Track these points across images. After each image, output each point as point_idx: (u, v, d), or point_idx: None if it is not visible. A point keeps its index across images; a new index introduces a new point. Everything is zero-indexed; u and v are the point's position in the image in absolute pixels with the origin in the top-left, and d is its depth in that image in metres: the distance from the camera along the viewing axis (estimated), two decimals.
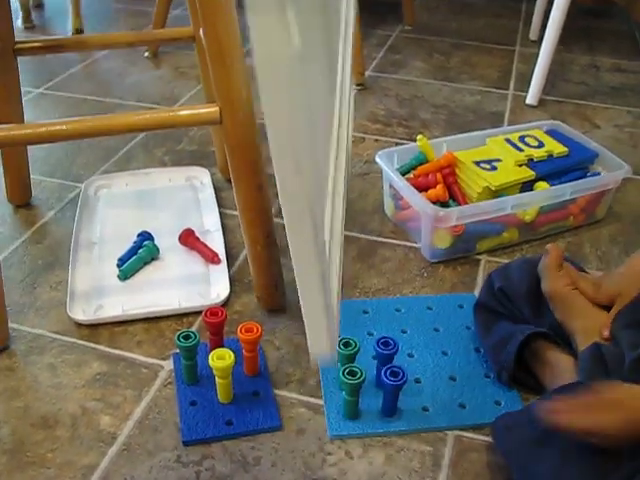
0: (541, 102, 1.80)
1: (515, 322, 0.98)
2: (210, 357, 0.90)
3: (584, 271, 0.99)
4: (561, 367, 0.92)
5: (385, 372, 0.90)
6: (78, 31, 2.18)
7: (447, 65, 2.06)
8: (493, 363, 0.98)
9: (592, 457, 0.74)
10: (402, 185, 1.22)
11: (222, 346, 0.99)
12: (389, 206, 1.33)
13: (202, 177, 1.42)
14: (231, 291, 1.12)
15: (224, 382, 0.92)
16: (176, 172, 1.43)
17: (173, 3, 2.01)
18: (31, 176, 1.35)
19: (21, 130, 0.94)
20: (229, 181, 1.38)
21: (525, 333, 0.93)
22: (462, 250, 1.23)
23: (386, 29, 2.32)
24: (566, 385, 0.85)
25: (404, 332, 1.07)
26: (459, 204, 1.26)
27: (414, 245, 1.26)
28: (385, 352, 0.94)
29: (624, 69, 2.07)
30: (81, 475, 0.86)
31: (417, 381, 0.99)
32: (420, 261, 1.23)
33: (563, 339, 0.92)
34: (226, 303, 1.11)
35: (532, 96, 1.79)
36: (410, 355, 1.03)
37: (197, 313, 1.09)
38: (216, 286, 1.14)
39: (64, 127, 0.92)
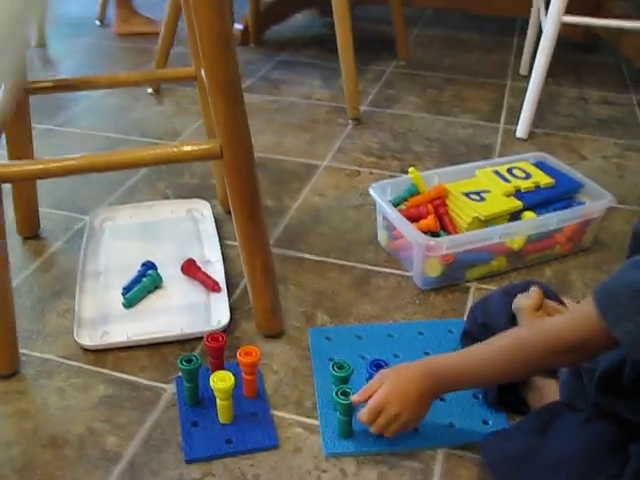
0: (530, 135, 1.86)
1: None
2: (211, 379, 0.95)
3: (562, 303, 1.04)
4: (548, 391, 0.97)
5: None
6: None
7: (440, 99, 2.13)
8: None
9: (576, 470, 0.78)
10: (395, 216, 1.28)
11: (223, 369, 1.03)
12: (383, 236, 1.38)
13: (203, 209, 1.47)
14: (231, 318, 1.17)
15: (225, 403, 0.97)
16: (178, 204, 1.49)
17: (175, 41, 2.08)
18: (39, 209, 1.41)
19: (35, 165, 1.00)
20: (229, 213, 1.42)
21: None
22: (452, 278, 1.28)
23: (381, 65, 2.39)
24: (545, 405, 0.90)
25: (396, 356, 1.12)
26: (449, 234, 1.32)
27: (406, 274, 1.31)
28: (375, 373, 0.98)
29: (611, 101, 2.14)
30: None
31: None
32: (412, 289, 1.28)
33: None
34: (226, 329, 1.15)
35: (522, 129, 1.85)
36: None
37: (199, 339, 1.13)
38: (217, 313, 1.18)
39: (74, 162, 0.98)
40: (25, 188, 1.34)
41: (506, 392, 0.99)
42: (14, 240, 1.37)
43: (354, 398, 0.93)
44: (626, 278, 0.74)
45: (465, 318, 1.11)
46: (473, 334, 1.06)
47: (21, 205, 1.36)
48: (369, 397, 0.92)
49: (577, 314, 0.81)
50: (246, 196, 1.03)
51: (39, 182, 1.39)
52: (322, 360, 1.10)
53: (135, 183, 1.60)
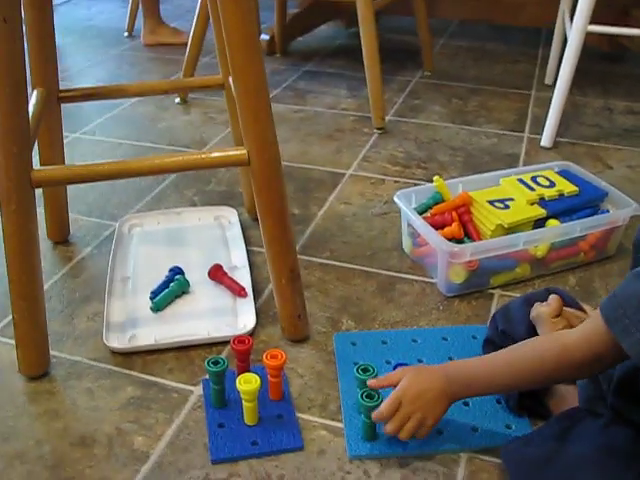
0: (555, 144, 1.86)
1: None
2: (237, 381, 0.97)
3: (583, 310, 1.04)
4: (569, 397, 0.97)
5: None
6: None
7: (465, 109, 2.14)
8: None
9: (592, 476, 0.79)
10: (419, 223, 1.29)
11: (249, 372, 1.05)
12: (407, 243, 1.39)
13: (230, 216, 1.49)
14: (257, 322, 1.18)
15: (250, 405, 0.98)
16: (205, 211, 1.51)
17: (202, 52, 2.11)
18: (69, 215, 1.44)
19: (67, 170, 1.02)
20: (255, 220, 1.44)
21: None
22: (476, 285, 1.29)
23: (406, 75, 2.41)
24: (565, 411, 0.90)
25: (420, 361, 1.13)
26: (473, 241, 1.32)
27: (431, 280, 1.32)
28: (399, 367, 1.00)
29: (637, 111, 2.13)
30: None
31: None
32: (436, 295, 1.28)
33: None
34: (252, 333, 1.17)
35: (546, 138, 1.86)
36: None
37: (225, 343, 1.15)
38: (243, 317, 1.20)
39: (105, 168, 1.00)
40: (56, 194, 1.37)
41: (527, 398, 1.00)
42: (45, 245, 1.40)
43: (370, 382, 0.95)
44: (631, 289, 0.75)
45: (488, 325, 1.11)
46: (494, 341, 1.06)
47: (52, 211, 1.39)
48: (385, 385, 0.94)
49: (587, 328, 0.82)
50: (273, 202, 1.04)
51: (69, 189, 1.43)
52: (347, 364, 1.11)
53: (163, 190, 1.63)
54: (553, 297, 1.01)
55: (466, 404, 1.04)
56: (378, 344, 1.16)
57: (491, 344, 1.07)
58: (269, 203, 1.05)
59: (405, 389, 0.92)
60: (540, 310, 1.00)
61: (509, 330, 1.04)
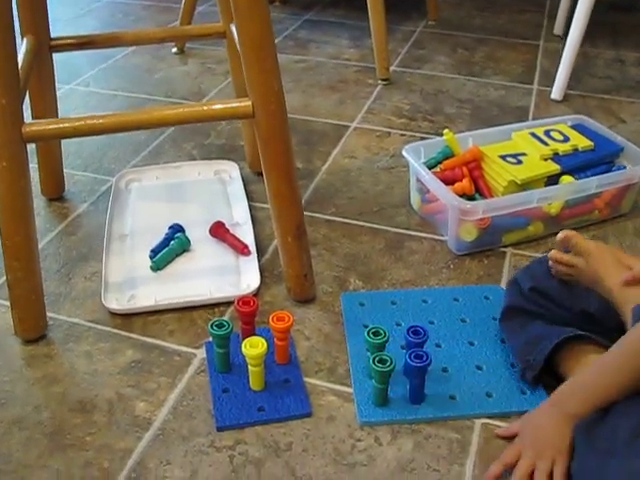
0: (566, 97, 1.80)
1: (552, 322, 0.97)
2: (243, 345, 0.93)
3: None
4: None
5: (409, 355, 0.92)
6: None
7: (471, 60, 2.07)
8: (519, 361, 0.98)
9: (626, 447, 0.75)
10: (429, 178, 1.24)
11: (254, 335, 1.01)
12: (416, 199, 1.34)
13: (231, 171, 1.44)
14: (261, 282, 1.14)
15: (256, 370, 0.94)
16: (205, 166, 1.46)
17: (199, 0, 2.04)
18: (64, 170, 1.39)
19: (61, 124, 0.96)
20: (257, 174, 1.42)
21: (562, 336, 0.93)
22: (488, 243, 1.24)
23: (410, 25, 2.33)
24: None
25: (431, 323, 1.09)
26: (485, 197, 1.28)
27: (441, 238, 1.28)
28: (415, 340, 0.96)
29: None
30: (118, 458, 0.88)
31: (444, 370, 1.01)
32: (446, 254, 1.24)
33: (602, 326, 0.93)
34: (256, 294, 1.13)
35: (557, 91, 1.79)
36: (437, 345, 1.05)
37: (228, 303, 1.11)
38: (246, 276, 1.16)
39: (102, 121, 0.95)
40: (50, 149, 1.31)
41: (548, 375, 0.95)
42: (39, 202, 1.35)
43: (492, 470, 0.85)
44: None
45: (506, 292, 1.05)
46: (519, 306, 1.01)
47: (46, 166, 1.33)
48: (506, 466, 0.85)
49: None
50: (279, 156, 0.99)
51: (64, 143, 1.37)
52: (355, 326, 1.07)
53: (160, 144, 1.57)
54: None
55: (479, 368, 1.01)
56: (387, 305, 1.12)
57: (515, 311, 1.01)
58: (274, 157, 1.00)
59: (522, 437, 0.86)
60: (574, 261, 0.96)
61: (539, 285, 0.99)
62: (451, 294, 1.15)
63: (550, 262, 0.99)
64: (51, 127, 0.97)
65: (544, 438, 0.84)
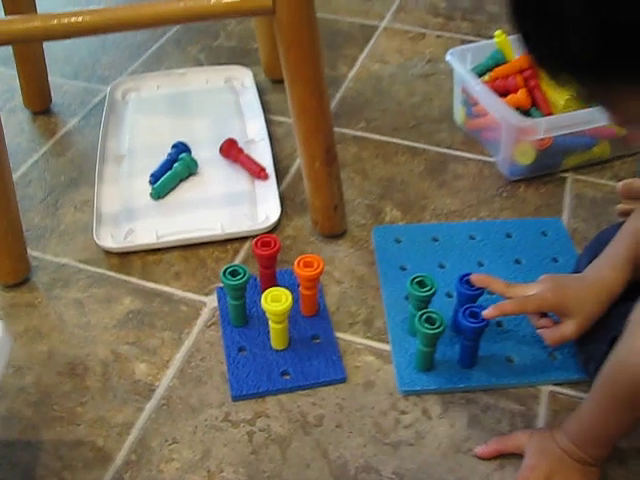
0: None
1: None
2: (263, 298, 0.76)
3: None
4: None
5: (464, 312, 0.76)
6: None
7: None
8: (580, 352, 0.80)
9: None
10: (479, 89, 1.05)
11: (275, 282, 0.85)
12: (460, 113, 1.16)
13: (243, 78, 1.27)
14: (282, 212, 0.98)
15: (279, 327, 0.79)
16: (214, 72, 1.28)
17: None
18: (50, 79, 1.21)
19: (29, 23, 0.77)
20: (275, 82, 1.25)
21: None
22: (546, 167, 1.07)
23: None
24: None
25: (480, 265, 0.93)
26: (542, 113, 1.09)
27: (489, 159, 1.10)
28: (470, 292, 0.79)
29: None
30: (115, 434, 0.74)
31: (499, 325, 0.85)
32: (497, 179, 1.07)
33: None
34: (276, 227, 0.97)
35: None
36: (490, 293, 0.88)
37: (243, 239, 0.96)
38: (264, 206, 1.01)
39: (81, 19, 0.75)
40: (31, 53, 1.13)
41: None
42: (22, 116, 1.19)
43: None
44: None
45: (565, 213, 0.89)
46: None
47: (27, 74, 1.16)
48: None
49: None
50: (306, 63, 0.81)
51: (49, 48, 1.19)
52: (391, 268, 0.92)
53: (162, 47, 1.39)
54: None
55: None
56: (428, 242, 0.96)
57: None
58: (300, 64, 0.81)
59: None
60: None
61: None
62: (503, 228, 0.98)
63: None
64: (27, 26, 0.78)
65: (568, 473, 0.68)
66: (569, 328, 0.74)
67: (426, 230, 0.98)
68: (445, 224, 0.99)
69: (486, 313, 0.75)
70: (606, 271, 0.75)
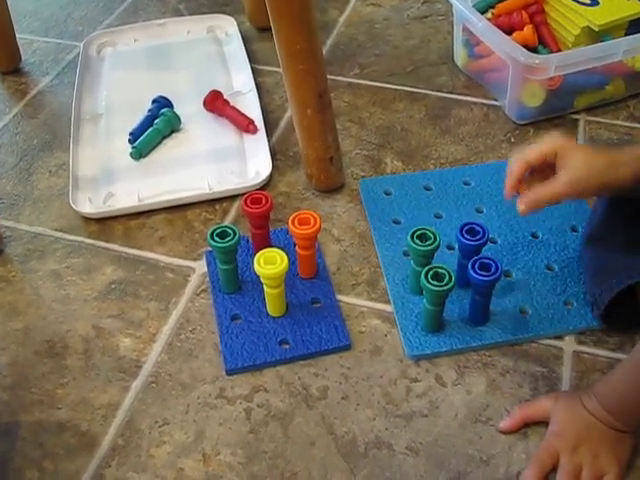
0: None
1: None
2: (256, 261, 0.69)
3: None
4: None
5: (473, 266, 0.69)
6: None
7: None
8: (589, 293, 0.75)
9: None
10: (482, 26, 0.97)
11: (268, 242, 0.78)
12: (461, 54, 1.09)
13: (227, 27, 1.22)
14: (273, 167, 0.92)
15: (275, 292, 0.72)
16: (195, 22, 1.23)
17: None
18: (18, 36, 1.15)
19: None
20: (261, 30, 1.21)
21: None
22: (556, 108, 1.01)
23: None
24: None
25: (479, 211, 0.87)
26: (551, 50, 1.02)
27: (494, 103, 1.04)
28: (473, 242, 0.72)
29: None
30: (100, 417, 0.68)
31: (507, 275, 0.79)
32: (505, 123, 1.00)
33: None
34: (268, 183, 0.91)
35: None
36: (492, 241, 0.82)
37: (232, 197, 0.90)
38: (254, 161, 0.95)
39: None
40: None
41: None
42: None
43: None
44: None
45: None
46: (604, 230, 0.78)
47: None
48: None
49: None
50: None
51: (16, 2, 1.12)
52: (384, 224, 0.86)
53: None
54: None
55: (550, 269, 0.80)
56: (420, 191, 0.90)
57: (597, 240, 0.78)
58: (286, 2, 0.73)
59: (564, 433, 0.65)
60: None
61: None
62: (499, 171, 0.90)
63: None
64: None
65: (598, 440, 0.63)
66: (560, 179, 0.69)
67: (417, 179, 0.91)
68: (437, 171, 0.93)
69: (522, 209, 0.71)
70: (621, 155, 0.70)
